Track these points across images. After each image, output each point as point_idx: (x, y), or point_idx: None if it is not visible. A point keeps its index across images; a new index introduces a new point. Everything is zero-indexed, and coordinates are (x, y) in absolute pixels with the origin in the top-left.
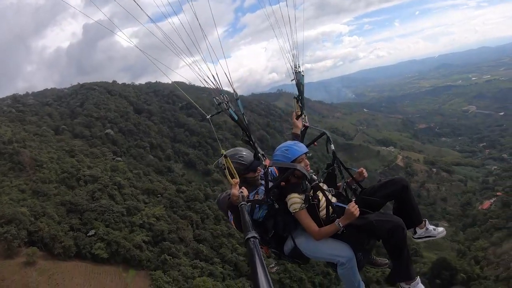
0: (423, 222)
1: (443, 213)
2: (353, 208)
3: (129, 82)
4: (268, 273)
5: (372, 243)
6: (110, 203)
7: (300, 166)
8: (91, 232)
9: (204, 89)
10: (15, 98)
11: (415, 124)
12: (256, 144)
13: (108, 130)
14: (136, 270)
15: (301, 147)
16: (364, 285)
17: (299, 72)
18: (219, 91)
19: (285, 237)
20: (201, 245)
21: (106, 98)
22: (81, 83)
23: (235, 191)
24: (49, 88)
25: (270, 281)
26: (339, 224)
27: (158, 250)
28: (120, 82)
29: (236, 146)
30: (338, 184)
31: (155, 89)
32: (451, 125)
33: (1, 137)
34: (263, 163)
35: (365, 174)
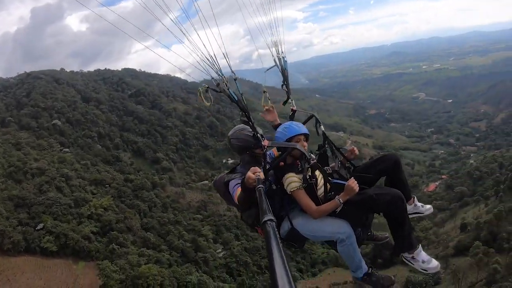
0: (412, 199)
1: None
2: (353, 183)
3: (78, 70)
4: (284, 256)
5: (371, 218)
6: (58, 196)
7: (299, 145)
8: (40, 226)
9: (154, 76)
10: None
11: (366, 109)
12: (255, 125)
13: (55, 121)
14: (85, 262)
15: (301, 127)
16: (364, 263)
17: (283, 57)
18: (216, 71)
19: (281, 219)
20: (148, 233)
21: (53, 87)
22: (28, 71)
23: (251, 174)
24: None
25: (287, 264)
26: (340, 200)
27: (107, 240)
28: (68, 70)
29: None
30: (331, 165)
31: (104, 76)
32: (400, 111)
33: None
34: (262, 143)
35: (356, 152)
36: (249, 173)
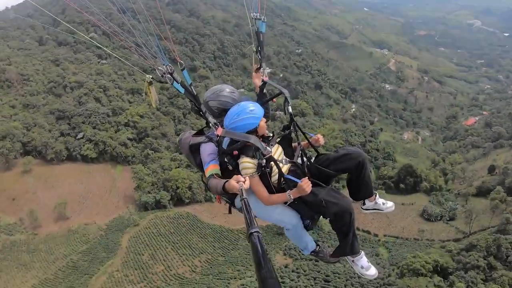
0: (374, 196)
1: (427, 122)
2: (305, 184)
3: None
4: (272, 267)
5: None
6: (96, 106)
7: (254, 139)
8: (80, 135)
9: None
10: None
11: (415, 29)
12: (206, 114)
13: (92, 34)
14: (123, 166)
15: (259, 106)
16: (311, 241)
17: (259, 18)
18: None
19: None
20: None
21: (88, 0)
22: None
23: (234, 183)
24: None
25: (275, 275)
26: (290, 196)
27: (142, 146)
28: None
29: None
30: (294, 145)
31: None
32: (452, 36)
33: None
34: (215, 132)
35: (321, 141)
36: (233, 182)
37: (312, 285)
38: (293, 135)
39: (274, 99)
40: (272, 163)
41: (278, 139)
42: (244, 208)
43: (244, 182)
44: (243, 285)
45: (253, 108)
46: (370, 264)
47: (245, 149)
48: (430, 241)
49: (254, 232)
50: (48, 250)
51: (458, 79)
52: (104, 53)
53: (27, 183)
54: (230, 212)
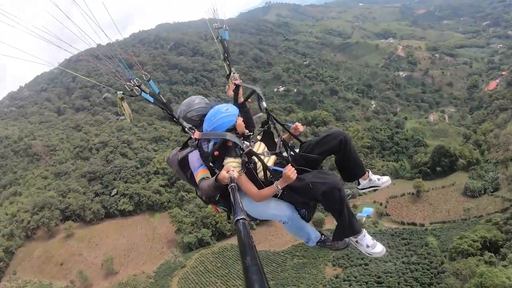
0: (367, 173)
1: (450, 98)
2: (290, 171)
3: (114, 40)
4: (257, 254)
5: (315, 203)
6: (124, 161)
7: (230, 135)
8: (114, 192)
9: (189, 24)
10: (11, 97)
11: (413, 10)
12: (180, 120)
13: (105, 94)
14: (160, 213)
15: (232, 112)
16: (314, 231)
17: (221, 27)
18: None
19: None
20: None
21: (95, 64)
22: (67, 58)
23: (224, 172)
24: (39, 74)
25: (259, 263)
26: (278, 187)
27: (175, 190)
28: (105, 43)
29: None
30: (276, 140)
31: (140, 38)
32: (451, 6)
33: (11, 137)
34: (192, 137)
35: (300, 128)
36: (223, 172)
37: None
38: (272, 129)
39: (250, 99)
40: (254, 157)
41: (260, 136)
42: (232, 196)
43: (233, 171)
44: None
45: (228, 108)
46: (375, 241)
47: (228, 150)
48: (478, 218)
49: (240, 219)
50: None
51: (469, 47)
52: (121, 110)
53: (72, 247)
54: (229, 218)
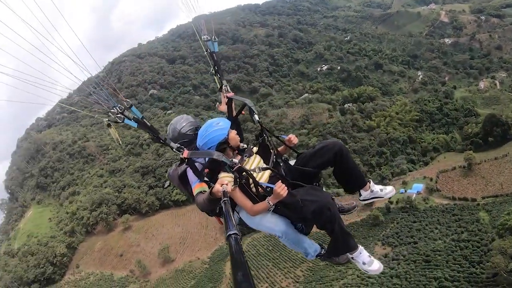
0: (368, 184)
1: (500, 62)
2: (280, 188)
3: (153, 38)
4: (248, 269)
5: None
6: (174, 154)
7: (217, 154)
8: (166, 184)
9: (226, 12)
10: (61, 103)
11: None
12: (167, 141)
13: (151, 91)
14: None
15: (223, 126)
16: (313, 244)
17: (210, 40)
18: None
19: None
20: None
21: (138, 63)
22: (110, 60)
23: (218, 186)
24: (85, 79)
25: (251, 277)
26: (269, 203)
27: None
28: (145, 42)
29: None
30: (279, 148)
31: (178, 33)
32: None
33: (65, 142)
34: (181, 156)
35: (294, 140)
36: (217, 186)
37: (412, 269)
38: (267, 141)
39: (243, 111)
40: (245, 173)
41: (255, 149)
42: (224, 210)
43: (227, 184)
44: (345, 284)
45: (219, 122)
46: (372, 258)
47: (221, 166)
48: None
49: (232, 234)
50: None
51: None
52: (168, 105)
53: (130, 238)
54: None
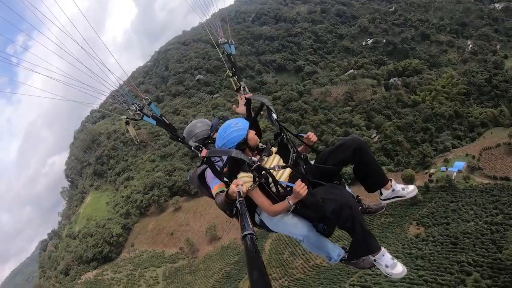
0: (389, 183)
1: None
2: (299, 187)
3: (197, 24)
4: (264, 268)
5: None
6: None
7: (235, 152)
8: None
9: None
10: (112, 95)
11: None
12: (185, 139)
13: (198, 76)
14: None
15: (241, 127)
16: (336, 248)
17: (226, 42)
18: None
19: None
20: None
21: (183, 50)
22: (156, 50)
23: (233, 186)
24: (134, 70)
25: (266, 276)
26: (289, 203)
27: None
28: (189, 29)
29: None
30: (299, 148)
31: (222, 17)
32: None
33: (118, 131)
34: (200, 155)
35: (313, 138)
36: (232, 186)
37: (438, 251)
38: (285, 141)
39: (262, 112)
40: (264, 172)
41: (274, 149)
42: (240, 210)
43: (242, 185)
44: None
45: (237, 122)
46: (395, 261)
47: (240, 165)
48: None
49: (248, 234)
50: (207, 268)
51: None
52: (214, 89)
53: (180, 218)
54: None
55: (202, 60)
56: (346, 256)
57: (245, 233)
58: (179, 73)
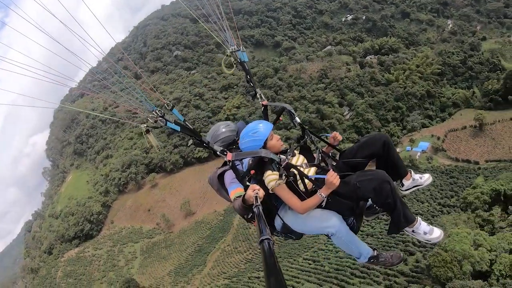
0: (409, 174)
1: None
2: (332, 177)
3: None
4: (281, 274)
5: (362, 205)
6: (197, 113)
7: (264, 152)
8: (189, 143)
9: None
10: (92, 72)
11: None
12: (210, 144)
13: (176, 52)
14: None
15: (266, 126)
16: (366, 246)
17: (238, 50)
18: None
19: (273, 213)
20: None
21: (162, 26)
22: (135, 25)
23: (250, 191)
24: (113, 46)
25: (283, 282)
26: (321, 195)
27: None
28: (168, 3)
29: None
30: (314, 155)
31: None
32: None
33: (97, 109)
34: (226, 159)
35: (339, 137)
36: (249, 191)
37: (387, 230)
38: (309, 143)
39: (281, 117)
40: (293, 170)
41: (297, 150)
42: (257, 215)
43: (258, 190)
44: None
45: (256, 130)
46: (431, 226)
47: (265, 165)
48: None
49: (265, 239)
50: (181, 242)
51: None
52: (192, 65)
53: (156, 195)
54: (272, 234)
55: (181, 35)
56: (375, 254)
57: (262, 238)
58: (157, 49)
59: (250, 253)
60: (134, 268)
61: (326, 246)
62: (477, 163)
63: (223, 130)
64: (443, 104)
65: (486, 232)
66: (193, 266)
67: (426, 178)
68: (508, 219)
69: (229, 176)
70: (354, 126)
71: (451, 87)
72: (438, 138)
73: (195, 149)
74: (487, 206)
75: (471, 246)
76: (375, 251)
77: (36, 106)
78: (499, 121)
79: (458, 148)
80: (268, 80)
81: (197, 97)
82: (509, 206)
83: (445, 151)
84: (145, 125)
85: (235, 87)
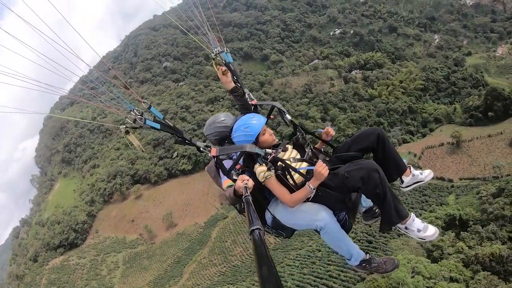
0: (408, 169)
1: None
2: (320, 167)
3: (168, 8)
4: (273, 263)
5: (355, 199)
6: (183, 126)
7: (249, 147)
8: (174, 155)
9: None
10: (82, 81)
11: None
12: (193, 140)
13: (165, 64)
14: None
15: (259, 121)
16: (357, 248)
17: (222, 51)
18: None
19: (264, 207)
20: None
21: (152, 36)
22: (127, 34)
23: (240, 182)
24: (104, 55)
25: (275, 271)
26: (310, 187)
27: None
28: (160, 13)
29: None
30: (306, 150)
31: (194, 1)
32: None
33: (86, 118)
34: (210, 155)
35: (332, 132)
36: (238, 181)
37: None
38: (301, 140)
39: (272, 116)
40: (280, 163)
41: (290, 145)
42: (246, 206)
43: (248, 180)
44: (299, 254)
45: (248, 126)
46: (425, 223)
47: (255, 159)
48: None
49: (256, 229)
50: (162, 253)
51: None
52: (180, 76)
53: (140, 206)
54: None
55: (171, 46)
56: (367, 258)
57: (253, 227)
58: (147, 60)
59: (224, 266)
60: (116, 277)
61: (294, 262)
62: (451, 180)
63: (218, 123)
64: (425, 119)
65: (429, 259)
66: (170, 278)
67: (426, 174)
68: (456, 246)
69: (226, 166)
70: (336, 141)
71: (434, 102)
72: (415, 155)
73: (179, 161)
74: (441, 231)
75: (409, 273)
76: (368, 254)
77: (25, 112)
78: (477, 138)
79: (434, 165)
80: (253, 94)
81: (184, 109)
82: (461, 232)
83: (421, 168)
84: (124, 126)
85: (221, 100)
